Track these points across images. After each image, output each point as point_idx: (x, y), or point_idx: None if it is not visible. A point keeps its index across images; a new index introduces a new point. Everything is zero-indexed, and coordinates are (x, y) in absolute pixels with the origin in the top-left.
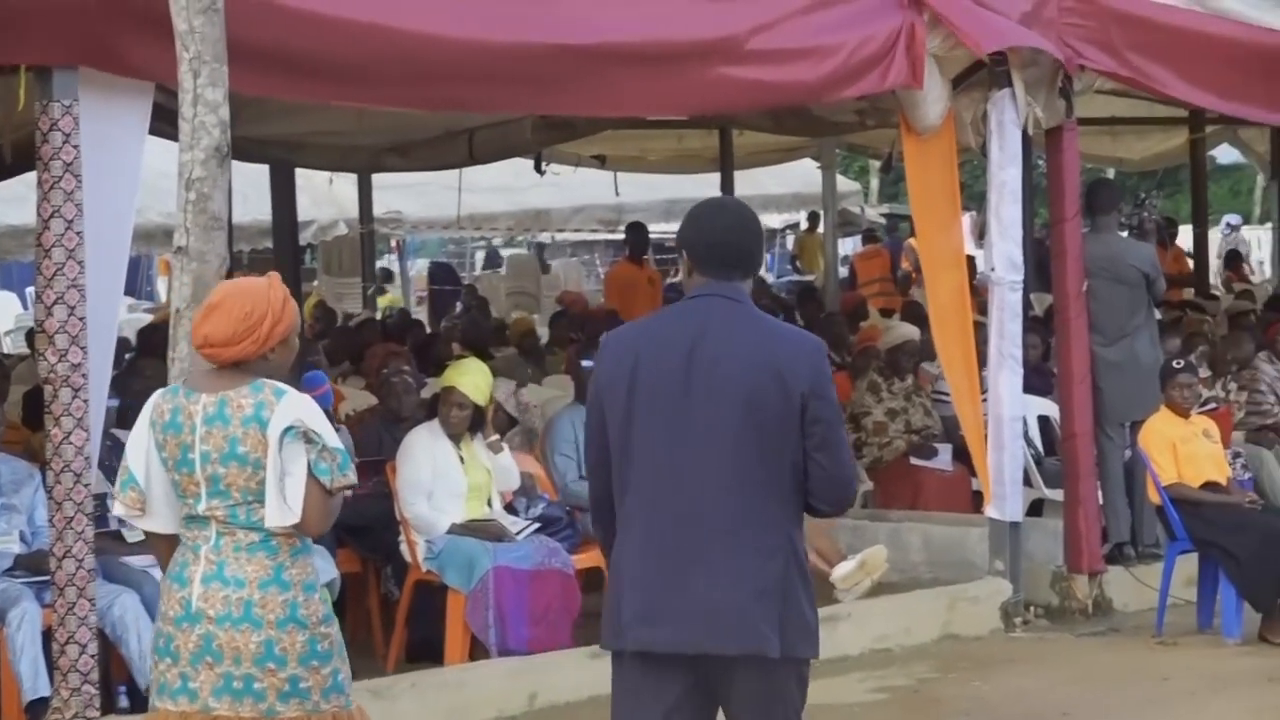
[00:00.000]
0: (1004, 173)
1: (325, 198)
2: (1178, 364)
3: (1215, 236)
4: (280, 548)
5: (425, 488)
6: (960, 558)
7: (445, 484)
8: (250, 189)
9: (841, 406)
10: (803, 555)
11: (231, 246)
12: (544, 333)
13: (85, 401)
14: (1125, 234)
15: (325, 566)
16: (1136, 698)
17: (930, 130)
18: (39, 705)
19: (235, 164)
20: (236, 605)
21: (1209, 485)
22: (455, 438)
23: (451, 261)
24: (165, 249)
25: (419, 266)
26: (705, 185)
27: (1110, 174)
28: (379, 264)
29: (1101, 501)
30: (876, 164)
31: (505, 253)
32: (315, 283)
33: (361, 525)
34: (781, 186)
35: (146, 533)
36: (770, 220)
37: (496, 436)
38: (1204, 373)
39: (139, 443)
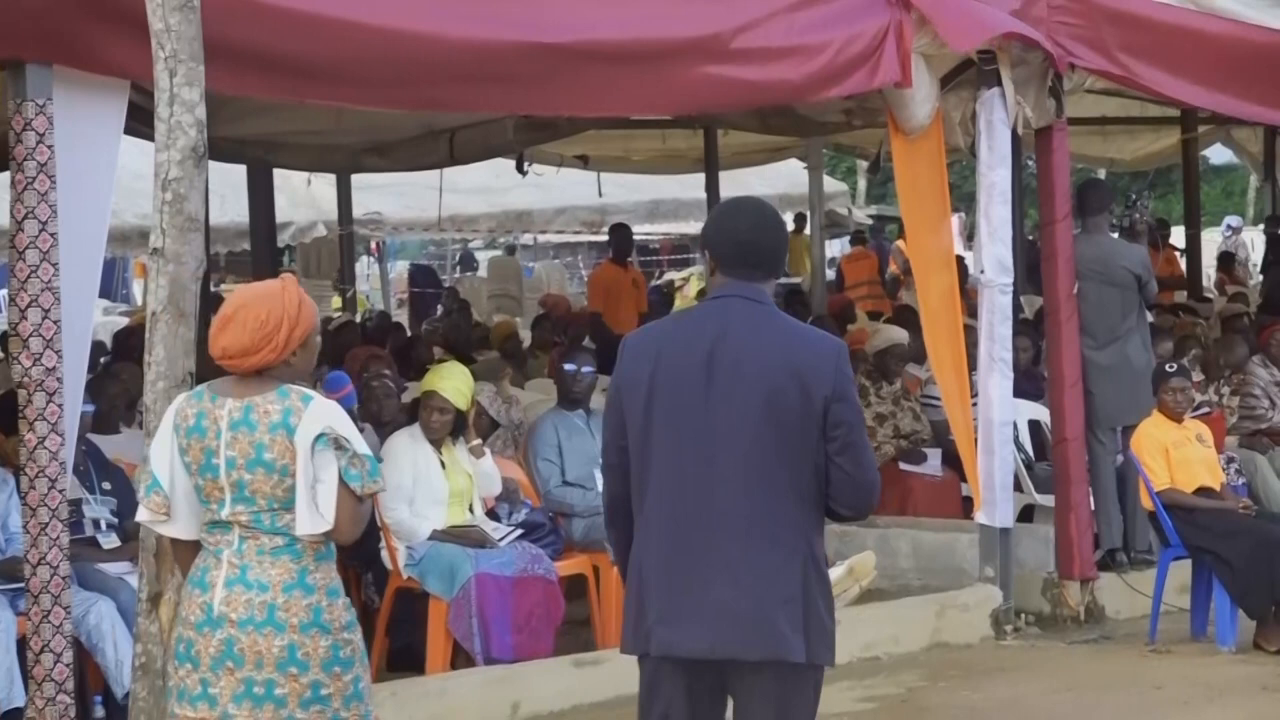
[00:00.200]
0: (993, 173)
1: (303, 199)
2: (1170, 368)
3: (1215, 238)
4: (304, 552)
5: (406, 493)
6: (950, 564)
7: (426, 489)
8: (228, 190)
9: None
10: (822, 560)
11: (208, 248)
12: (526, 336)
13: (60, 406)
14: (1116, 235)
15: None
16: (1129, 706)
17: (918, 130)
18: (13, 715)
19: (212, 164)
20: (260, 609)
21: (1202, 490)
22: (436, 443)
23: (432, 263)
24: (141, 251)
25: (399, 269)
26: (690, 186)
27: (1101, 174)
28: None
29: (1093, 507)
30: (864, 164)
31: (481, 255)
32: None
33: None
34: (767, 187)
35: (171, 540)
36: None
37: (478, 441)
38: (1197, 377)
39: (163, 447)
